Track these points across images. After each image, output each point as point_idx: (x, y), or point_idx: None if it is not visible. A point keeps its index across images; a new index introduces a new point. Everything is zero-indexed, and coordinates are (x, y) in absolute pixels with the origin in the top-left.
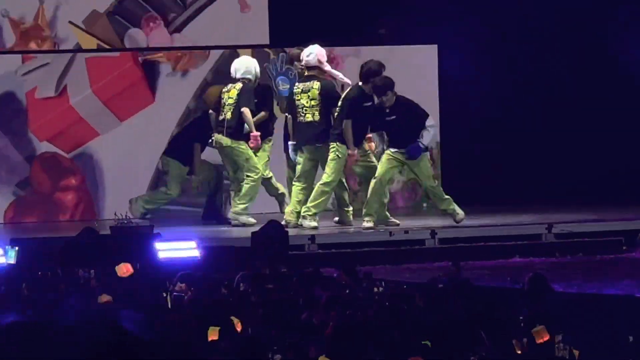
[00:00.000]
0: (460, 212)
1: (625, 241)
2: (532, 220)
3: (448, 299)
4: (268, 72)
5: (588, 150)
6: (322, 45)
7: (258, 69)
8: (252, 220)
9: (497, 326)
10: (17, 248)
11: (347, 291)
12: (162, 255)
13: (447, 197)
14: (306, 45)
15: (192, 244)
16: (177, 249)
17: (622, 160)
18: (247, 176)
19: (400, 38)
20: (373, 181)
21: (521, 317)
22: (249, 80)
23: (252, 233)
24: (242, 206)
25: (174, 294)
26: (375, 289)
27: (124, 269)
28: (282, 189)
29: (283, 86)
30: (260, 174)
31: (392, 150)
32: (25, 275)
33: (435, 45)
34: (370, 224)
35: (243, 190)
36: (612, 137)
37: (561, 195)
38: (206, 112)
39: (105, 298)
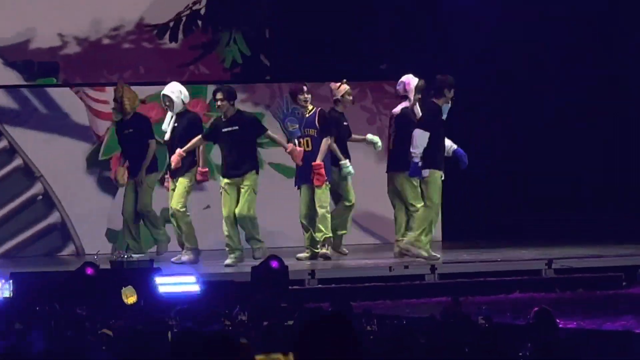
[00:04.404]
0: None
1: (625, 277)
2: (532, 256)
3: (449, 334)
4: (274, 113)
5: (588, 186)
6: (323, 80)
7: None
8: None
9: None
10: (11, 281)
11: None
12: (162, 289)
13: None
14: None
15: (192, 278)
16: (177, 283)
17: (622, 196)
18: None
19: (401, 73)
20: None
21: (520, 354)
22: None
23: (253, 268)
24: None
25: (174, 330)
26: (369, 328)
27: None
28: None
29: (292, 127)
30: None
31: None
32: (22, 309)
33: None
34: None
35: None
36: (612, 174)
37: (561, 231)
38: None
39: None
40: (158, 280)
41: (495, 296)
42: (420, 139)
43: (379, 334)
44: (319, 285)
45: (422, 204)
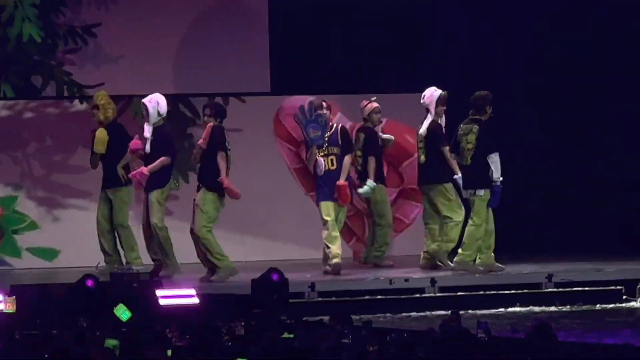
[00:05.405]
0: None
1: (625, 291)
2: (532, 269)
3: (448, 348)
4: (297, 119)
5: (588, 200)
6: (323, 93)
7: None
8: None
9: None
10: (14, 297)
11: (348, 340)
12: (162, 302)
13: None
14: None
15: (192, 291)
16: (177, 296)
17: (622, 210)
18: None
19: (401, 85)
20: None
21: None
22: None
23: (252, 280)
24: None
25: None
26: (370, 348)
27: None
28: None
29: (314, 133)
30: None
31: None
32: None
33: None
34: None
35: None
36: (612, 188)
37: (561, 245)
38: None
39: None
40: (158, 292)
41: (495, 309)
42: (498, 162)
43: (379, 347)
44: (319, 299)
45: (457, 216)
